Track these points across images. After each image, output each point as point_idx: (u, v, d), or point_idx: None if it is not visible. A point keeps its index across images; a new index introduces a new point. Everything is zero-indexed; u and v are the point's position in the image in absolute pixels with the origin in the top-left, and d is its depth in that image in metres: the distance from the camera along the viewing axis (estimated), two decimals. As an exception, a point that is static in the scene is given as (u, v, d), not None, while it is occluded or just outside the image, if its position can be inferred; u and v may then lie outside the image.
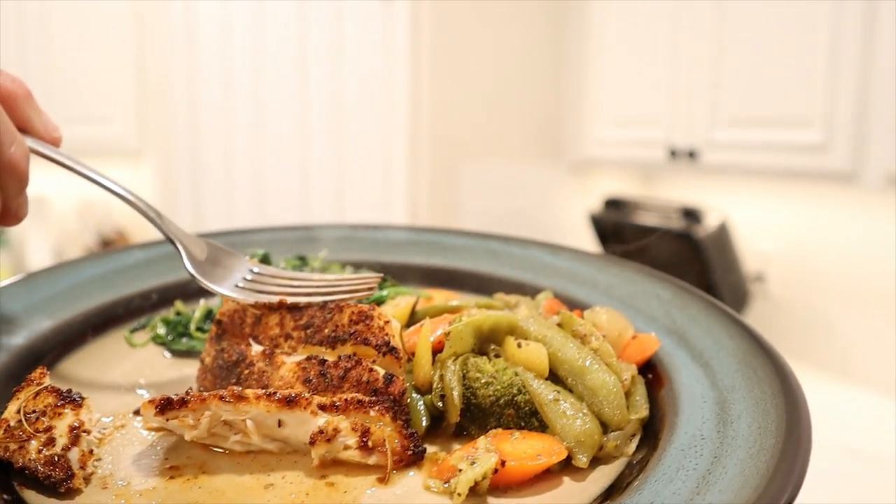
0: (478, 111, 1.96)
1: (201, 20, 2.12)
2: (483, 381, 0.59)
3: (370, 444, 0.55)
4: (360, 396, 0.57)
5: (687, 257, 1.77)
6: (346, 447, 0.55)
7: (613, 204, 1.95)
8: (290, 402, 0.56)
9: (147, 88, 2.55)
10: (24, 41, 2.52)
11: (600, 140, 1.96)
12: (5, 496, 0.51)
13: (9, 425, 0.54)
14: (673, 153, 1.68)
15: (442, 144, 1.93)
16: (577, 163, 2.05)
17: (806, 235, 1.75)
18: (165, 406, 0.56)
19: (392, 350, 0.60)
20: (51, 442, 0.53)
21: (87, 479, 0.54)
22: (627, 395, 0.60)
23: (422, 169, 1.92)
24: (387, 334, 0.61)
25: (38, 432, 0.54)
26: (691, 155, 1.63)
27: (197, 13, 2.12)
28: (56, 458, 0.52)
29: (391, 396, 0.57)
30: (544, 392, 0.57)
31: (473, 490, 0.51)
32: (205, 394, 0.56)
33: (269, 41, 2.04)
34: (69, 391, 0.58)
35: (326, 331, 0.63)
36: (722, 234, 1.69)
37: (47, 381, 0.60)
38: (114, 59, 2.55)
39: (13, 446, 0.53)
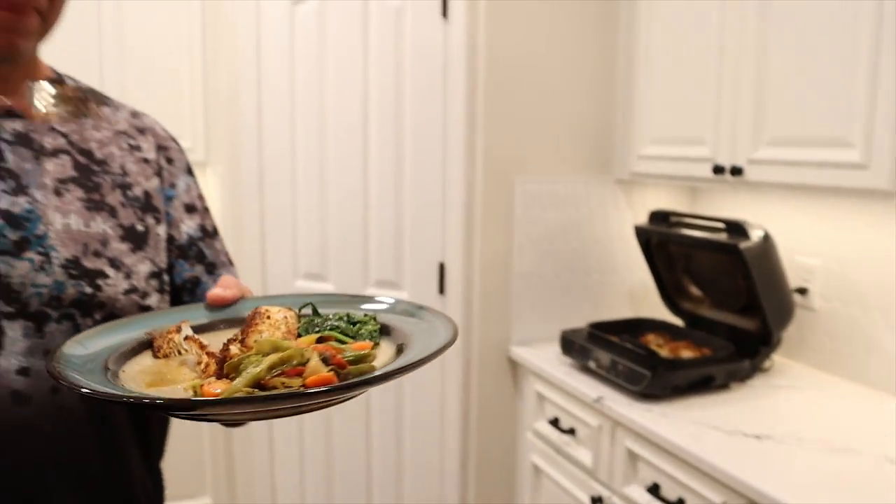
0: (530, 127, 2.05)
1: (266, 40, 2.25)
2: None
3: None
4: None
5: (731, 269, 1.83)
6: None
7: (659, 217, 2.01)
8: None
9: (214, 106, 2.71)
10: (102, 59, 2.69)
11: (647, 157, 2.02)
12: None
13: None
14: (717, 170, 1.74)
15: (496, 159, 2.02)
16: (625, 178, 2.13)
17: (847, 250, 1.80)
18: None
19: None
20: None
21: None
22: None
23: (477, 183, 2.01)
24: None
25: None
26: (735, 172, 1.69)
27: (263, 33, 2.25)
28: None
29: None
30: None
31: None
32: None
33: (331, 55, 2.16)
34: None
35: None
36: (766, 247, 1.75)
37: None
38: (184, 78, 2.71)
39: None
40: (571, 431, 1.87)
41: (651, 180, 2.09)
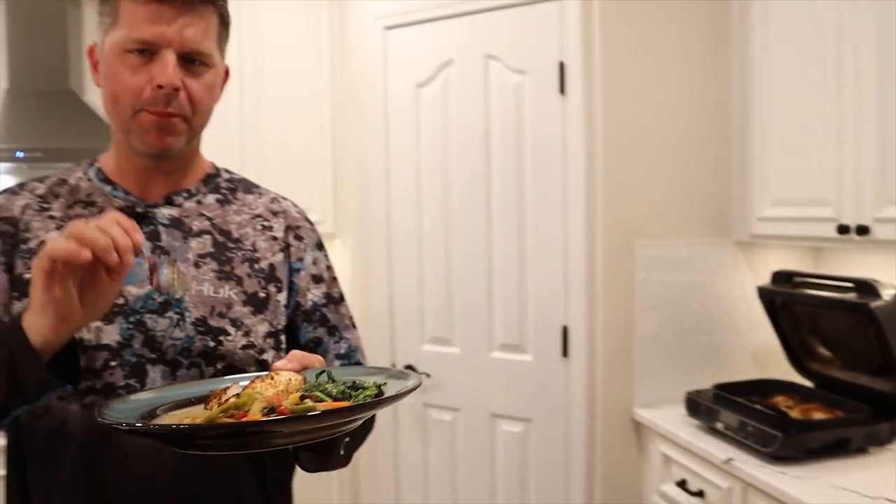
0: (648, 194, 2.12)
1: (393, 120, 2.44)
2: None
3: None
4: None
5: (862, 329, 1.81)
6: None
7: (782, 277, 2.02)
8: None
9: (343, 182, 2.93)
10: (244, 144, 2.97)
11: (767, 218, 2.04)
12: None
13: None
14: (843, 230, 1.74)
15: (616, 226, 2.10)
16: (745, 239, 2.15)
17: None
18: None
19: None
20: None
21: None
22: None
23: (598, 249, 2.09)
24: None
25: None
26: (862, 231, 1.70)
27: (390, 114, 2.45)
28: None
29: None
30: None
31: None
32: None
33: (454, 130, 2.32)
34: None
35: None
36: (898, 307, 1.72)
37: None
38: (315, 158, 2.97)
39: None
40: (700, 494, 1.87)
41: (772, 241, 2.10)
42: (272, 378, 0.80)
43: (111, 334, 0.93)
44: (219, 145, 2.98)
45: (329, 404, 0.74)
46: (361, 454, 2.66)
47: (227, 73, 1.05)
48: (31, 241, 0.97)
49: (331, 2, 2.99)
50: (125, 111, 0.93)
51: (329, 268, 1.13)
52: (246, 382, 0.82)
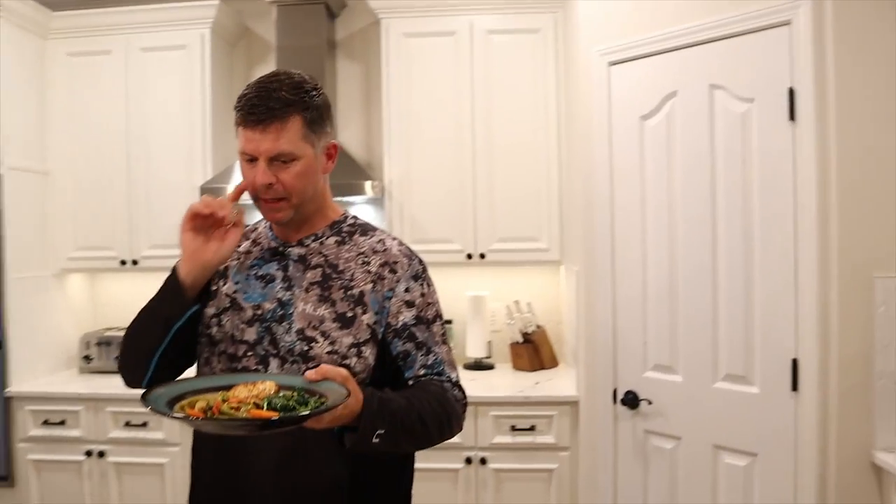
0: (888, 222, 2.00)
1: (618, 152, 2.52)
2: None
3: None
4: None
5: None
6: None
7: None
8: None
9: (568, 212, 3.05)
10: (475, 174, 3.20)
11: None
12: None
13: None
14: None
15: (853, 256, 2.00)
16: None
17: None
18: None
19: None
20: None
21: None
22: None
23: (832, 279, 2.00)
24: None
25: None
26: None
27: (615, 146, 2.53)
28: None
29: None
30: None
31: None
32: None
33: (678, 160, 2.34)
34: None
35: None
36: None
37: None
38: (543, 193, 3.16)
39: None
40: (954, 550, 1.71)
41: None
42: (254, 384, 1.16)
43: (250, 334, 1.35)
44: (454, 180, 3.27)
45: (252, 413, 1.09)
46: (581, 477, 2.73)
47: (334, 147, 1.39)
48: (226, 268, 1.45)
49: (556, 42, 3.15)
50: (251, 196, 1.34)
51: (423, 295, 1.40)
52: (281, 378, 1.20)
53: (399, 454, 1.42)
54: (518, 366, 3.33)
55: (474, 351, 3.35)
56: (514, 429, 2.85)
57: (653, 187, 2.41)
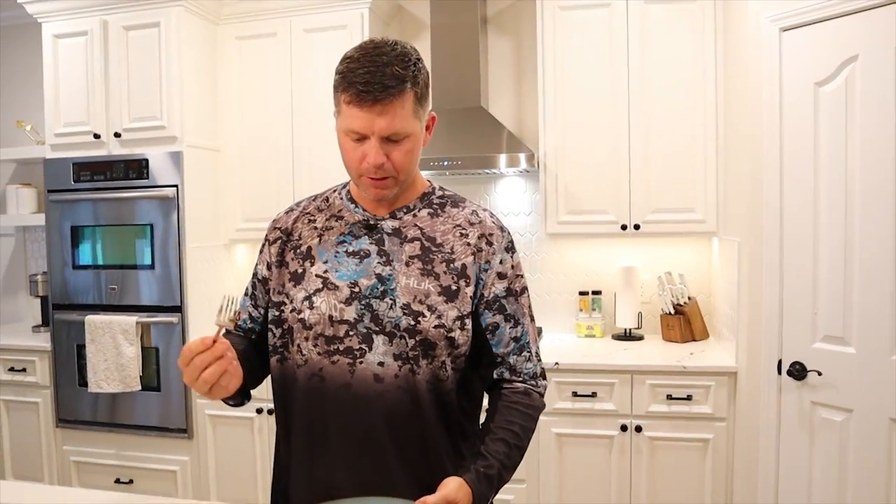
0: None
1: (789, 121, 2.46)
2: None
3: None
4: None
5: None
6: None
7: None
8: None
9: (725, 183, 3.01)
10: (630, 148, 3.21)
11: None
12: None
13: None
14: None
15: None
16: None
17: None
18: None
19: None
20: None
21: None
22: None
23: None
24: None
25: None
26: None
27: (785, 115, 2.47)
28: None
29: None
30: None
31: None
32: None
33: (857, 129, 2.27)
34: None
35: None
36: None
37: None
38: (699, 162, 3.12)
39: None
40: None
41: None
42: None
43: (350, 313, 1.31)
44: (610, 152, 3.31)
45: None
46: (738, 448, 2.73)
47: (433, 119, 1.36)
48: (300, 242, 1.41)
49: (715, 11, 3.10)
50: (352, 173, 1.32)
51: (514, 266, 1.40)
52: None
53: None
54: (668, 337, 3.34)
55: (624, 321, 3.38)
56: (669, 398, 2.87)
57: (827, 156, 2.35)
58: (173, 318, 3.40)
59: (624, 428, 2.91)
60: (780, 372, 2.52)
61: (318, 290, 1.34)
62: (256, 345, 1.49)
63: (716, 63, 3.10)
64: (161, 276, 3.42)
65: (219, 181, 3.71)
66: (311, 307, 1.33)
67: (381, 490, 1.30)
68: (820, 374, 2.39)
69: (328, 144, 3.47)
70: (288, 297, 1.37)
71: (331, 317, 1.32)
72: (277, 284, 1.40)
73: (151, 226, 3.41)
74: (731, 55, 2.95)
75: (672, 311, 3.33)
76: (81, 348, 3.50)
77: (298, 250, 1.40)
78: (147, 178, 3.41)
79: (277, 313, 1.39)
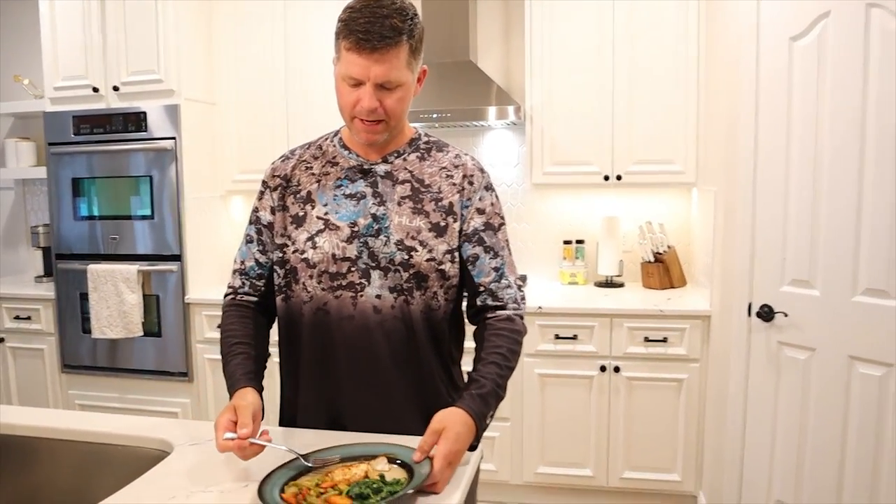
0: None
1: (765, 74, 2.57)
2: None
3: None
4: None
5: None
6: None
7: None
8: None
9: (705, 135, 3.13)
10: (614, 98, 3.31)
11: None
12: None
13: None
14: None
15: None
16: None
17: None
18: None
19: None
20: None
21: None
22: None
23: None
24: None
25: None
26: None
27: (762, 69, 2.58)
28: None
29: None
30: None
31: None
32: None
33: (828, 83, 2.37)
34: None
35: None
36: None
37: None
38: (680, 115, 3.24)
39: None
40: None
41: None
42: (348, 468, 1.23)
43: (351, 251, 1.44)
44: (594, 105, 3.40)
45: (330, 500, 1.14)
46: (710, 387, 2.90)
47: (424, 72, 1.46)
48: (299, 188, 1.51)
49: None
50: (346, 116, 1.41)
51: (493, 204, 1.53)
52: (396, 450, 1.29)
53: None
54: (648, 284, 3.49)
55: (606, 269, 3.52)
56: (647, 340, 3.04)
57: (800, 109, 2.47)
58: (173, 267, 3.53)
59: (603, 368, 3.08)
60: (749, 314, 2.68)
61: (319, 231, 1.46)
62: (264, 308, 1.61)
63: (698, 19, 3.19)
64: (160, 226, 3.54)
65: (215, 134, 3.80)
66: (314, 247, 1.45)
67: (382, 408, 1.46)
68: (786, 315, 2.55)
69: (321, 97, 3.57)
70: (290, 239, 1.48)
71: (334, 255, 1.44)
72: (280, 227, 1.51)
73: (150, 177, 3.52)
74: (713, 11, 3.04)
75: (652, 260, 3.48)
76: (84, 297, 3.63)
77: (298, 195, 1.51)
78: (145, 130, 3.50)
79: (280, 255, 1.50)
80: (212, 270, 3.79)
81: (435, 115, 3.37)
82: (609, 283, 3.56)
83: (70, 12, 3.57)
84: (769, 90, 2.56)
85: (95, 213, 3.62)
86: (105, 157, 3.57)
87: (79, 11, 3.55)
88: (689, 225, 3.60)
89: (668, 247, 3.50)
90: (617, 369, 3.07)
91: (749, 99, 2.62)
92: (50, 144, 3.65)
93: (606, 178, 3.32)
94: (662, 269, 3.44)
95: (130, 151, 3.52)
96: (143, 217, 3.56)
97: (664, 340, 3.03)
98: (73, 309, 3.69)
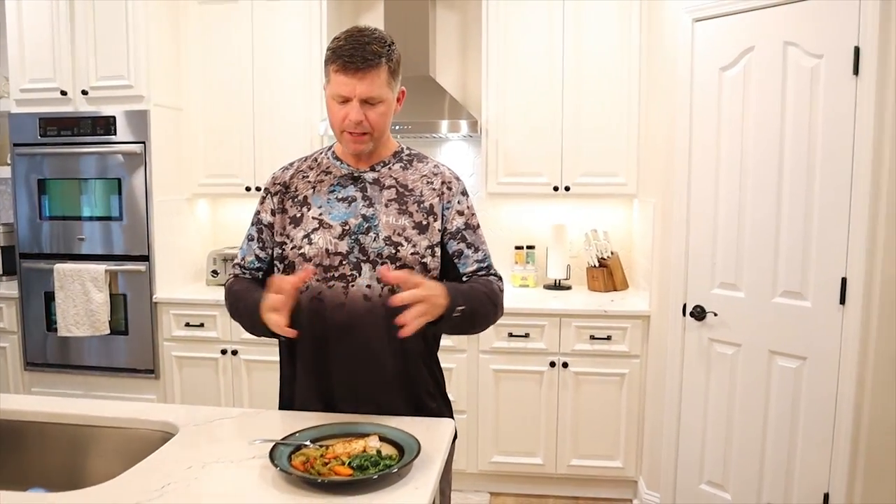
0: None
1: (698, 99, 2.86)
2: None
3: None
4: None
5: None
6: None
7: None
8: None
9: (646, 152, 3.41)
10: (563, 123, 3.57)
11: None
12: None
13: None
14: None
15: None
16: None
17: None
18: None
19: None
20: None
21: None
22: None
23: (880, 214, 2.34)
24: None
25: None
26: None
27: (695, 94, 2.87)
28: None
29: None
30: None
31: None
32: None
33: (752, 109, 2.66)
34: None
35: None
36: None
37: None
38: (623, 134, 3.52)
39: None
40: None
41: None
42: (349, 442, 1.40)
43: (342, 246, 1.62)
44: (545, 121, 3.65)
45: (337, 473, 1.30)
46: (649, 381, 3.18)
47: (402, 93, 1.67)
48: (297, 193, 1.71)
49: (641, 2, 3.47)
50: (336, 130, 1.62)
51: (469, 207, 1.74)
52: (385, 430, 1.47)
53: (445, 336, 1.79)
54: (593, 287, 3.77)
55: (555, 273, 3.79)
56: (592, 338, 3.31)
57: (728, 130, 2.78)
58: (141, 267, 3.64)
59: (552, 364, 3.34)
60: (684, 314, 2.97)
61: (314, 230, 1.65)
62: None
63: (640, 47, 3.48)
64: (129, 227, 3.64)
65: (182, 138, 3.90)
66: (310, 243, 1.64)
67: (370, 388, 1.66)
68: (716, 314, 2.85)
69: (287, 105, 3.72)
70: (289, 238, 1.68)
71: (327, 250, 1.63)
72: (279, 227, 1.71)
73: (119, 180, 3.62)
74: (653, 41, 3.34)
75: (597, 265, 3.76)
76: (49, 295, 3.70)
77: (296, 199, 1.71)
78: (115, 133, 3.59)
79: (280, 251, 1.69)
80: (177, 271, 3.90)
81: (396, 127, 3.56)
82: (557, 286, 3.83)
83: (38, 14, 3.62)
84: (701, 113, 2.86)
85: (63, 213, 3.69)
86: (73, 158, 3.64)
87: (46, 13, 3.60)
88: (630, 233, 3.90)
89: (612, 253, 3.78)
90: (565, 365, 3.33)
91: (684, 121, 2.92)
92: (15, 145, 3.70)
93: (556, 188, 3.58)
94: (606, 274, 3.73)
95: (99, 154, 3.62)
96: (113, 218, 3.65)
97: (608, 338, 3.30)
98: (38, 307, 3.75)
